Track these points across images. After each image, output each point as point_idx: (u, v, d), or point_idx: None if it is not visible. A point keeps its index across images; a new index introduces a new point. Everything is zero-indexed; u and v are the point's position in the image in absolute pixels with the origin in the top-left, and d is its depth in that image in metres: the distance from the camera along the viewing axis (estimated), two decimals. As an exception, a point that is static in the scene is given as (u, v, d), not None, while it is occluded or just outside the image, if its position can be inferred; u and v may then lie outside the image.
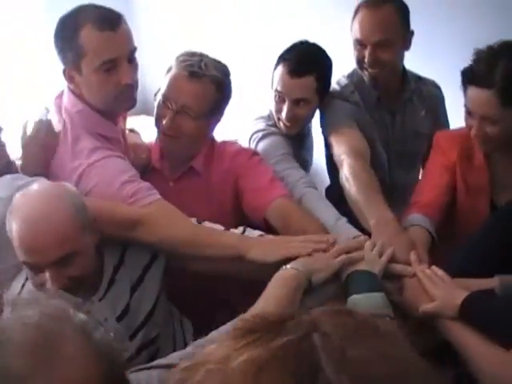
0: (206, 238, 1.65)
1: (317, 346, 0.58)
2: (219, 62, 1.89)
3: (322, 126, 2.16)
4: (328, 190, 2.43)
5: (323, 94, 2.09)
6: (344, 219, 1.78)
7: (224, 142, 2.05)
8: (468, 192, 1.86)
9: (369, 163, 1.93)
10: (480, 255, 1.58)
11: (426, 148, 2.13)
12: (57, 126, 1.83)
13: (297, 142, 2.19)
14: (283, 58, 2.03)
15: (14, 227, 1.41)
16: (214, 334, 1.22)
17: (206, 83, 1.83)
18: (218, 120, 1.95)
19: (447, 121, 2.34)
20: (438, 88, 2.33)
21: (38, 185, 1.50)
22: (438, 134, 1.95)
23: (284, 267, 1.49)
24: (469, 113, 1.70)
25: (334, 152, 2.01)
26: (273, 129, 2.10)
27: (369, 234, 1.69)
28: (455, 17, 2.66)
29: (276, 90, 2.04)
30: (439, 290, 1.47)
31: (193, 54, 1.87)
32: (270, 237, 1.72)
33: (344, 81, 2.21)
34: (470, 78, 1.66)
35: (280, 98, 2.04)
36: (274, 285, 1.43)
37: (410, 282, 1.54)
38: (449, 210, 1.87)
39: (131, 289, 1.65)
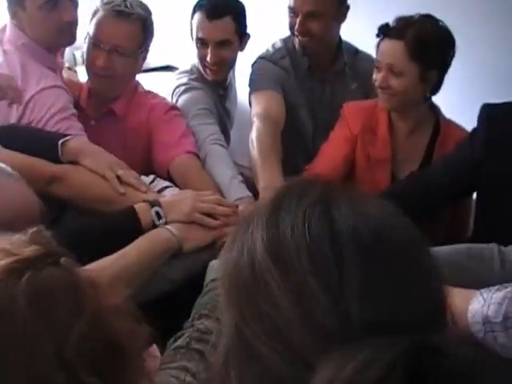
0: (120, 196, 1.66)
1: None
2: (141, 2, 1.97)
3: (249, 85, 2.19)
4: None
5: (242, 35, 2.14)
6: (239, 178, 1.81)
7: (147, 92, 2.09)
8: (369, 164, 1.90)
9: (280, 129, 1.96)
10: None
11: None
12: None
13: (220, 92, 2.26)
14: (198, 6, 2.08)
15: None
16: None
17: (133, 21, 1.90)
18: (145, 58, 2.02)
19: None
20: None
21: None
22: (345, 105, 1.98)
23: (162, 225, 1.51)
24: (377, 67, 1.81)
25: (251, 112, 2.05)
26: (195, 83, 2.13)
27: None
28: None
29: (197, 38, 2.08)
30: None
31: None
32: (177, 190, 1.72)
33: (278, 44, 2.24)
34: (385, 31, 1.78)
35: (203, 45, 2.08)
36: (145, 239, 1.46)
37: None
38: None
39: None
